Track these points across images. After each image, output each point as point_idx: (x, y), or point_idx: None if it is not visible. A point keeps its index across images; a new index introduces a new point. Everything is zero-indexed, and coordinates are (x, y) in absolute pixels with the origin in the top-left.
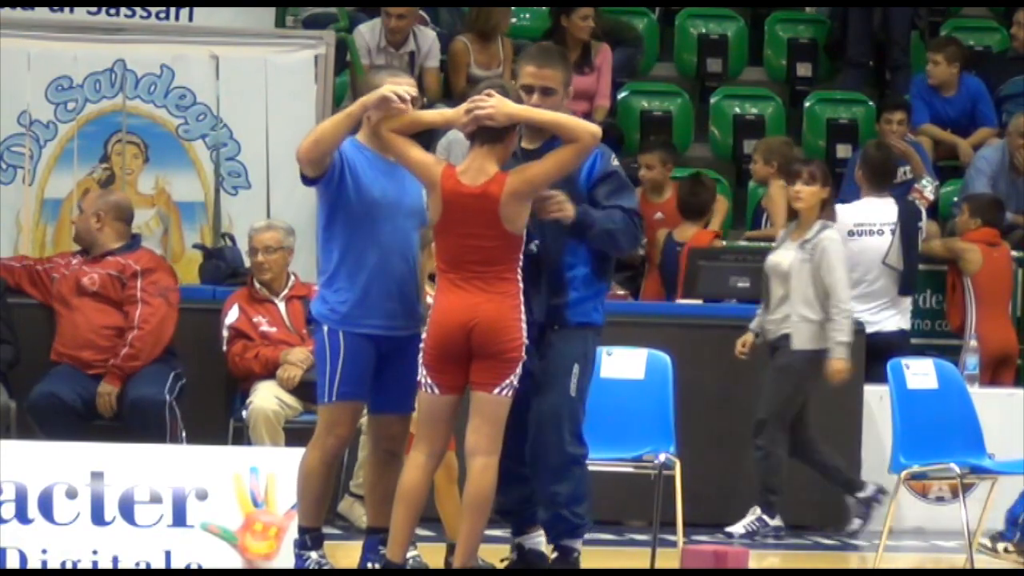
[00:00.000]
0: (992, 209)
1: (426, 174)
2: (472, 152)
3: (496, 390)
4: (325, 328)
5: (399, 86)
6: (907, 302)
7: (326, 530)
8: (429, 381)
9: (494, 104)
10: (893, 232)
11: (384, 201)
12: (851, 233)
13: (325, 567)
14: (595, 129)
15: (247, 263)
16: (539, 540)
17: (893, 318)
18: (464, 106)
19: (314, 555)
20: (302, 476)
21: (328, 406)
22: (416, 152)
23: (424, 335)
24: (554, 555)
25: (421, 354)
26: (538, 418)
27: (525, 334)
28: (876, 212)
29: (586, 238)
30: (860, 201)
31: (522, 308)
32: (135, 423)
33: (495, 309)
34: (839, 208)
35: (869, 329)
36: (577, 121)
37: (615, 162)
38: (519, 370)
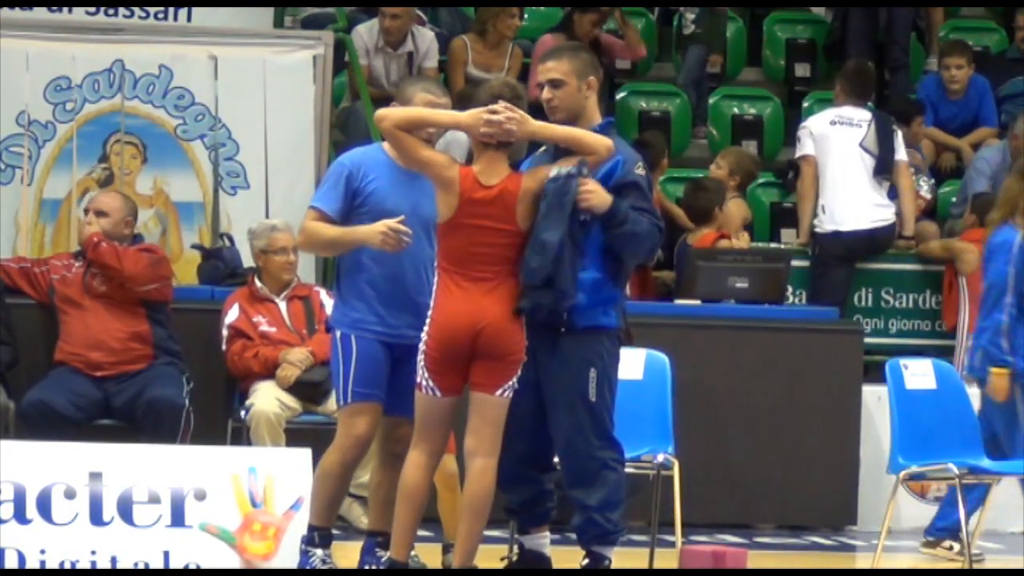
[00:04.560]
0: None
1: (440, 173)
2: (485, 155)
3: (498, 391)
4: (338, 333)
5: (399, 225)
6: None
7: None
8: (430, 384)
9: (518, 120)
10: (869, 125)
11: (397, 212)
12: (832, 123)
13: (329, 565)
14: (610, 143)
15: (246, 263)
16: (541, 541)
17: (878, 209)
18: (482, 114)
19: (319, 552)
20: (318, 476)
21: (345, 409)
22: (427, 151)
23: (425, 337)
24: (585, 561)
25: (422, 356)
26: (562, 429)
27: (525, 335)
28: (853, 113)
29: (610, 233)
30: (838, 108)
31: None
32: (148, 423)
33: (502, 311)
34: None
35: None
36: (594, 136)
37: (640, 171)
38: (520, 371)
